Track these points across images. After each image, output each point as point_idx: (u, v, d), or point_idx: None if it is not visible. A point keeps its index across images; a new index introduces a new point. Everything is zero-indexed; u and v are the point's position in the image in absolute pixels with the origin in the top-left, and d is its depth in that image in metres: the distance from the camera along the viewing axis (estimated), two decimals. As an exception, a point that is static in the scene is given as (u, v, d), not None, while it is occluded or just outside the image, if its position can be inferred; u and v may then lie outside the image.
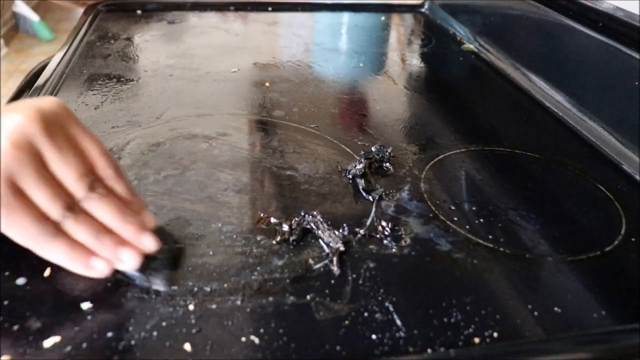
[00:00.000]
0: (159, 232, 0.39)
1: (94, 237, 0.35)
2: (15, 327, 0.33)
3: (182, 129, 0.58)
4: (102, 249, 0.35)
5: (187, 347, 0.32)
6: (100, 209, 0.35)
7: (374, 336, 0.34)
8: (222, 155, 0.54)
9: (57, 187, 0.34)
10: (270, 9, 1.04)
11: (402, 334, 0.34)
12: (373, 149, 0.54)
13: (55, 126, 0.34)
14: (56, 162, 0.34)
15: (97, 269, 0.35)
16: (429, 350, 0.33)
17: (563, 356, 0.33)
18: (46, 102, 0.35)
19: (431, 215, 0.46)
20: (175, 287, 0.36)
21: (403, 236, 0.43)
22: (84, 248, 0.35)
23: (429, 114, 0.68)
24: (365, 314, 0.36)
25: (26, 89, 0.68)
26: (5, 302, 0.35)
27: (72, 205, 0.34)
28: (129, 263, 0.36)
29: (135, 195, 0.39)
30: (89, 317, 0.34)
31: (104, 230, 0.36)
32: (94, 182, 0.36)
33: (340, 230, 0.43)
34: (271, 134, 0.59)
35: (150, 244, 0.37)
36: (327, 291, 0.37)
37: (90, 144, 0.36)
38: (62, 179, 0.34)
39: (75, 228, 0.35)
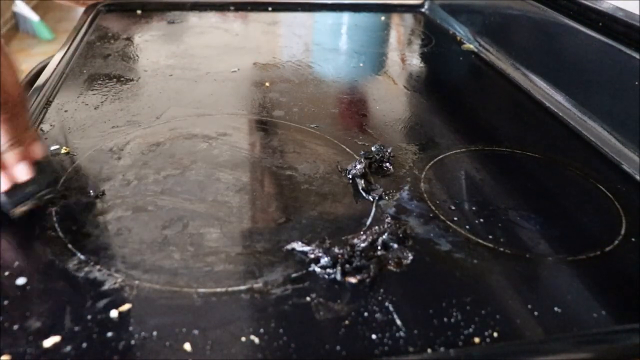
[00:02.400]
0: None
1: None
2: (15, 327, 0.33)
3: (182, 129, 0.58)
4: None
5: (187, 347, 0.32)
6: None
7: (374, 336, 0.34)
8: (222, 155, 0.54)
9: None
10: (270, 9, 1.04)
11: (402, 334, 0.34)
12: (373, 149, 0.54)
13: None
14: None
15: None
16: (429, 350, 0.33)
17: (563, 356, 0.33)
18: None
19: (431, 215, 0.46)
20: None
21: (403, 236, 0.43)
22: None
23: (429, 114, 0.68)
24: (365, 314, 0.36)
25: (26, 89, 0.68)
26: (5, 302, 0.35)
27: None
28: None
29: (30, 127, 0.43)
30: (88, 317, 0.34)
31: None
32: None
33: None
34: (271, 134, 0.59)
35: (23, 173, 0.41)
36: (327, 291, 0.37)
37: (3, 71, 0.39)
38: None
39: None
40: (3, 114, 0.39)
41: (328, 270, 0.39)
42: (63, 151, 0.52)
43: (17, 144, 0.40)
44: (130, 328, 0.33)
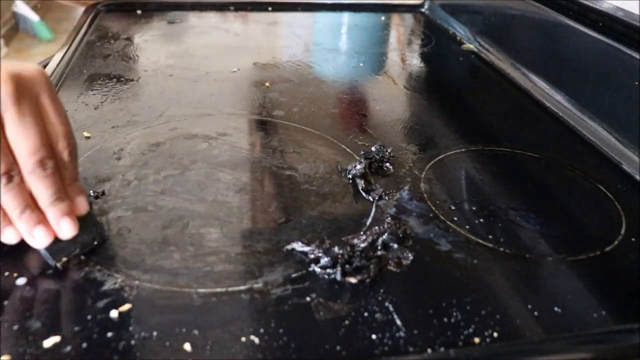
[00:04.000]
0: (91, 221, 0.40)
1: (19, 210, 0.36)
2: (15, 327, 0.33)
3: (182, 129, 0.58)
4: (21, 222, 0.36)
5: (187, 347, 0.32)
6: (37, 186, 0.36)
7: (374, 336, 0.34)
8: (222, 155, 0.54)
9: (5, 150, 0.35)
10: (270, 9, 1.04)
11: (402, 334, 0.34)
12: (373, 149, 0.54)
13: (27, 93, 0.35)
14: (13, 129, 0.35)
15: (7, 237, 0.37)
16: (429, 350, 0.33)
17: (563, 356, 0.33)
18: (27, 68, 0.36)
19: (431, 215, 0.46)
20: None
21: (403, 236, 0.43)
22: (5, 214, 0.36)
23: (429, 114, 0.68)
24: (365, 314, 0.36)
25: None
26: (5, 302, 0.35)
27: (12, 173, 0.35)
28: (39, 242, 0.37)
29: (78, 180, 0.40)
30: (88, 317, 0.34)
31: (31, 205, 0.37)
32: (45, 158, 0.36)
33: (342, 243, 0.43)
34: (271, 134, 0.59)
35: (67, 230, 0.38)
36: (327, 291, 0.37)
37: (57, 120, 0.37)
38: (14, 147, 0.35)
39: (6, 194, 0.35)
40: (50, 166, 0.37)
41: (328, 270, 0.39)
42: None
43: (62, 199, 0.37)
44: (130, 328, 0.33)
